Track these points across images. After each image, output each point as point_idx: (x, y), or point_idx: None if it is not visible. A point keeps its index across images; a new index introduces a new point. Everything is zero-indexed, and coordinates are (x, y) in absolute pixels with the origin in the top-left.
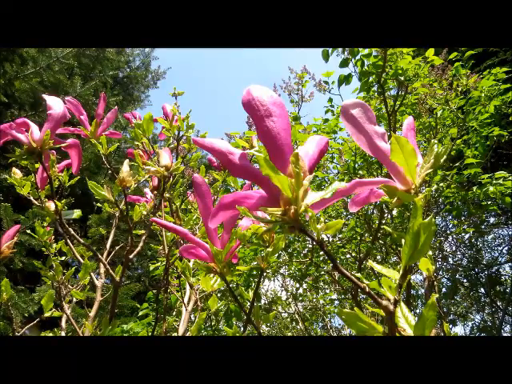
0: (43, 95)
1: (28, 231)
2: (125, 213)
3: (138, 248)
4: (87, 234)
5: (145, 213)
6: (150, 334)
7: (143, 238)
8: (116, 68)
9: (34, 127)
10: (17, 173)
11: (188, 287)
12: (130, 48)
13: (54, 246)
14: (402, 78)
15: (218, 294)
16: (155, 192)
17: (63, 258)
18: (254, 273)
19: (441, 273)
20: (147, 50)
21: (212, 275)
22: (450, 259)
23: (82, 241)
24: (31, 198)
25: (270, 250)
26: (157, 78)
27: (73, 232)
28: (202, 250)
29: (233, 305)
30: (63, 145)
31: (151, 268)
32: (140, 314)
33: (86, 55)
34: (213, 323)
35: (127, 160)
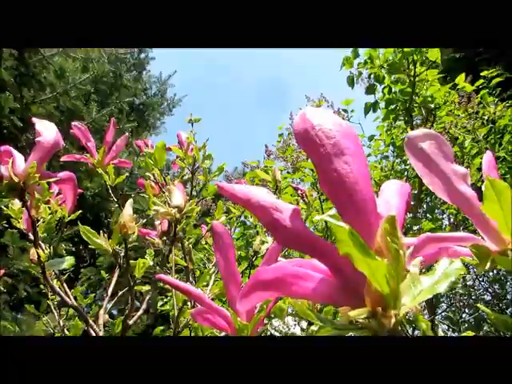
0: (33, 118)
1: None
2: (125, 266)
3: (140, 312)
4: (96, 263)
5: (151, 263)
6: None
7: (147, 298)
8: (132, 95)
9: (17, 157)
10: (15, 204)
11: None
12: (146, 74)
13: (54, 282)
14: (432, 106)
15: None
16: (164, 238)
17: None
18: None
19: (466, 309)
20: (164, 77)
21: None
22: (472, 295)
23: (70, 302)
24: (29, 233)
25: (314, 328)
26: (172, 105)
27: (58, 290)
28: (220, 318)
29: None
30: (53, 179)
31: (159, 304)
32: None
33: (103, 82)
34: None
35: (130, 201)
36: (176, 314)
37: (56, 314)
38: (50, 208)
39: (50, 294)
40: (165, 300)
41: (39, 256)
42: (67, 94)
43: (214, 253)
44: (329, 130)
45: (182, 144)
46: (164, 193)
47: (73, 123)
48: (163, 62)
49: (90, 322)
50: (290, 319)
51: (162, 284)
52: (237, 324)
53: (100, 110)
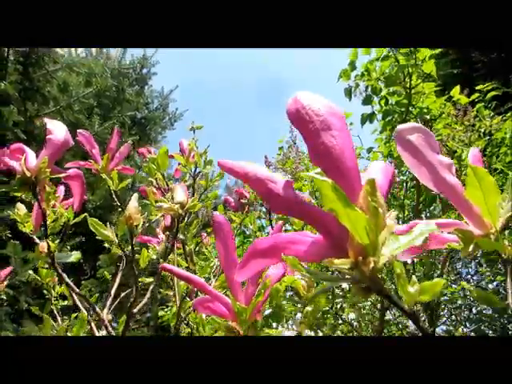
0: (44, 118)
1: (30, 272)
2: (130, 257)
3: (145, 300)
4: (96, 275)
5: (154, 257)
6: None
7: (151, 287)
8: (134, 109)
9: (29, 153)
10: (20, 209)
11: None
12: (148, 88)
13: (57, 288)
14: (428, 117)
15: None
16: (167, 232)
17: (65, 303)
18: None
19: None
20: (165, 91)
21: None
22: (473, 309)
23: (77, 290)
24: (34, 236)
25: (309, 309)
26: (174, 119)
27: (67, 279)
28: (221, 305)
29: None
30: (63, 175)
31: (160, 314)
32: None
33: (105, 96)
34: None
35: (136, 194)
36: (178, 305)
37: (59, 318)
38: (54, 213)
39: (53, 299)
40: (165, 310)
41: (49, 246)
42: (70, 108)
43: (215, 242)
44: (317, 109)
45: (183, 151)
46: (166, 197)
47: (78, 131)
48: (165, 76)
49: (98, 310)
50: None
51: (163, 290)
52: (236, 307)
53: (102, 124)
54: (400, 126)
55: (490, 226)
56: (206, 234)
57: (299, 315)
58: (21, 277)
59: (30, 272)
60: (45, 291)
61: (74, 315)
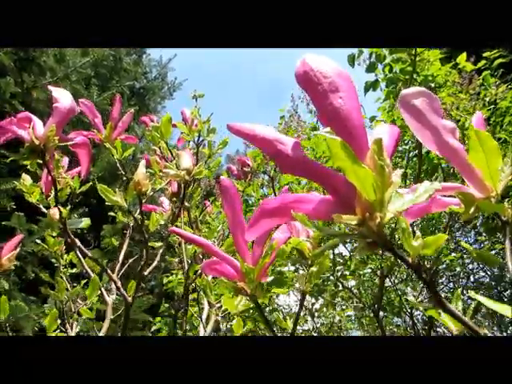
0: (49, 87)
1: (39, 241)
2: (140, 221)
3: (154, 263)
4: (100, 245)
5: (162, 222)
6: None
7: (160, 251)
8: (133, 79)
9: (37, 122)
10: (26, 179)
11: (206, 304)
12: (146, 57)
13: (65, 257)
14: (433, 85)
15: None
16: (174, 199)
17: (74, 271)
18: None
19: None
20: (164, 60)
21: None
22: (471, 277)
23: (89, 254)
24: (40, 206)
25: (314, 269)
26: (173, 89)
27: (79, 244)
28: (228, 267)
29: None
30: (70, 143)
31: (165, 281)
32: (153, 328)
33: (103, 66)
34: None
35: (143, 161)
36: (186, 268)
37: (68, 285)
38: (59, 183)
39: (61, 267)
40: (170, 278)
41: (61, 212)
42: (68, 79)
43: (222, 205)
44: (325, 71)
45: (186, 121)
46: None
47: (80, 100)
48: None
49: (109, 272)
50: (293, 300)
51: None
52: (244, 268)
53: (101, 94)
54: (404, 91)
55: (491, 189)
56: (209, 203)
57: (297, 285)
58: (27, 248)
59: (38, 241)
60: (53, 260)
61: (83, 281)
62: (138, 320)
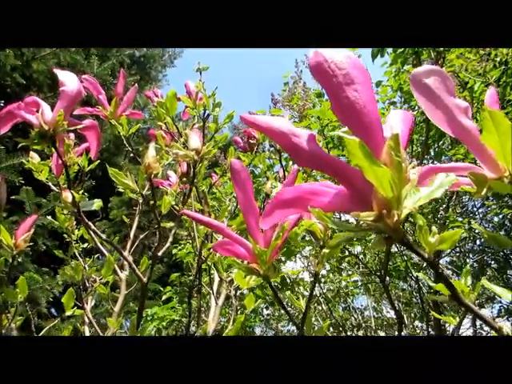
0: (55, 70)
1: (49, 217)
2: (151, 203)
3: (167, 244)
4: (109, 216)
5: (173, 203)
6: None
7: (172, 232)
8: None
9: (45, 106)
10: (34, 157)
11: (217, 276)
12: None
13: (76, 232)
14: (441, 48)
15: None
16: (184, 179)
17: (85, 246)
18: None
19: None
20: None
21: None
22: (477, 240)
23: (103, 236)
24: (50, 183)
25: (326, 251)
26: (174, 56)
27: (94, 227)
28: (240, 247)
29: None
30: (79, 126)
31: (174, 251)
32: (164, 297)
33: None
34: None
35: (152, 143)
36: (199, 247)
37: (81, 260)
38: (69, 166)
39: (73, 242)
40: (178, 248)
41: (74, 197)
42: (67, 49)
43: (233, 188)
44: (340, 62)
45: (190, 94)
46: (176, 142)
47: (83, 76)
48: None
49: (124, 254)
50: (299, 265)
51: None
52: (256, 250)
53: (101, 64)
54: (415, 70)
55: (504, 170)
56: (216, 175)
57: (307, 248)
58: (37, 221)
59: (49, 217)
60: (65, 235)
61: (95, 255)
62: (149, 290)
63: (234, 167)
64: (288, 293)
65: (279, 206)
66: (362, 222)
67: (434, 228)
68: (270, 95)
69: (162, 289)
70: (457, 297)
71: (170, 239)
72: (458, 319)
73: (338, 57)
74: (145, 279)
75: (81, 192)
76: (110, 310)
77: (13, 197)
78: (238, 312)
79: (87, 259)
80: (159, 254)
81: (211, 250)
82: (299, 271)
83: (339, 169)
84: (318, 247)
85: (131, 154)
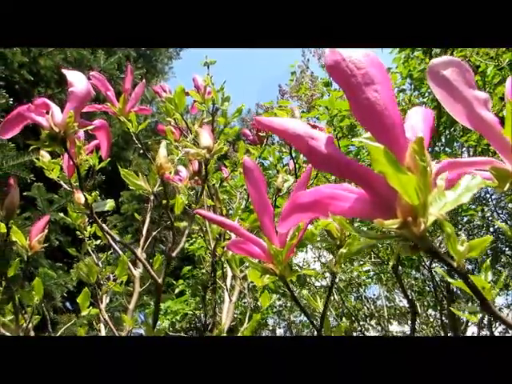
0: (63, 70)
1: (61, 214)
2: (163, 201)
3: (181, 244)
4: (120, 211)
5: (186, 202)
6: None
7: (186, 232)
8: None
9: (54, 108)
10: (45, 156)
11: (230, 273)
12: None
13: (88, 229)
14: None
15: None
16: (196, 178)
17: (98, 242)
18: None
19: None
20: None
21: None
22: (490, 228)
23: (117, 238)
24: (61, 182)
25: (343, 251)
26: (179, 48)
27: (107, 229)
28: (254, 247)
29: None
30: (90, 127)
31: (186, 245)
32: (176, 291)
33: None
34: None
35: (164, 142)
36: (212, 246)
37: (95, 257)
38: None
39: (86, 239)
40: (190, 242)
41: (86, 199)
42: None
43: (246, 186)
44: (358, 61)
45: (198, 88)
46: (186, 137)
47: (91, 73)
48: None
49: (140, 257)
50: (310, 256)
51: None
52: (272, 250)
53: (107, 59)
54: (433, 61)
55: None
56: (226, 168)
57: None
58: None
59: (61, 214)
60: (77, 232)
61: (109, 252)
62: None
63: (246, 165)
64: (305, 292)
65: (297, 209)
66: (385, 229)
67: (462, 236)
68: (278, 86)
69: (174, 282)
70: (488, 307)
71: (184, 239)
72: (478, 316)
73: (356, 55)
74: (160, 280)
75: (93, 193)
76: (124, 304)
77: (25, 193)
78: (252, 305)
79: (101, 254)
80: (173, 254)
81: (225, 249)
82: (317, 273)
83: (360, 174)
84: (334, 246)
85: (141, 150)
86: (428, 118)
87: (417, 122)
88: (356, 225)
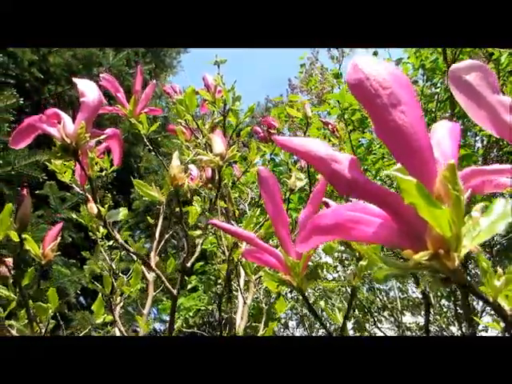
0: (74, 79)
1: (73, 215)
2: (177, 209)
3: (196, 254)
4: (132, 207)
5: (199, 209)
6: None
7: (200, 241)
8: None
9: (66, 119)
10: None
11: (243, 274)
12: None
13: (101, 230)
14: None
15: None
16: (209, 185)
17: (111, 243)
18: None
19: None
20: None
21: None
22: None
23: (131, 249)
24: (73, 185)
25: (363, 263)
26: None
27: (121, 240)
28: (270, 257)
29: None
30: (102, 137)
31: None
32: (189, 287)
33: None
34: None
35: (176, 153)
36: (228, 254)
37: (107, 256)
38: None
39: (99, 239)
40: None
41: (99, 210)
42: None
43: (262, 196)
44: (383, 80)
45: (208, 87)
46: (197, 138)
47: (101, 75)
48: None
49: (155, 268)
50: (321, 250)
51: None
52: (289, 262)
53: (116, 55)
54: (455, 65)
55: None
56: (236, 165)
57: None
58: (61, 214)
59: (74, 215)
60: (90, 233)
61: (122, 252)
62: (173, 279)
63: (261, 175)
64: (322, 303)
65: (317, 232)
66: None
67: (499, 270)
68: (288, 80)
69: (186, 278)
70: None
71: (199, 249)
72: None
73: (381, 73)
74: (175, 291)
75: (106, 205)
76: (136, 299)
77: (37, 192)
78: (264, 301)
79: (114, 252)
80: (188, 264)
81: (240, 256)
82: (334, 285)
83: (388, 201)
84: (353, 258)
85: (151, 148)
86: (454, 133)
87: (444, 139)
88: None
